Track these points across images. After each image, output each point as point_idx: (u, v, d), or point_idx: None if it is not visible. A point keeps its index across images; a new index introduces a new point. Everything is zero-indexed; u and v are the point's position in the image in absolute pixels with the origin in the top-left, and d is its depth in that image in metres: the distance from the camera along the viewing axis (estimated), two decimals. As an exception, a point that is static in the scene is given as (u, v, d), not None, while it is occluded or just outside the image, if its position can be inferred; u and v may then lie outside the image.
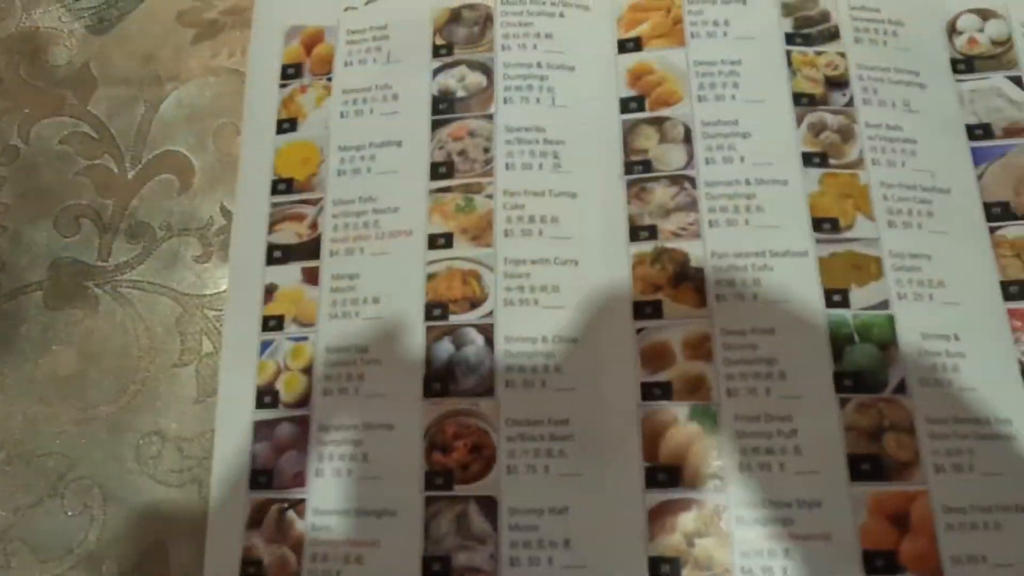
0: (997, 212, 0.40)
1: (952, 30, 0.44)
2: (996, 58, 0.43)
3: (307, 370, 0.38)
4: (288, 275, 0.40)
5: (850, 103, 0.41)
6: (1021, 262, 0.39)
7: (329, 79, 0.44)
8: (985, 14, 0.44)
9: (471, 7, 0.43)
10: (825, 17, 0.42)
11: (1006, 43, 0.43)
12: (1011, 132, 0.41)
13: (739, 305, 0.37)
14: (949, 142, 0.41)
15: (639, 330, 0.37)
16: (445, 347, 0.37)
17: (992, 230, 0.39)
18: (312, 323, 0.39)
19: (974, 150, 0.41)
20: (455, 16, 0.43)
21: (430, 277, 0.39)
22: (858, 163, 0.39)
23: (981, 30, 0.44)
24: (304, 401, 0.38)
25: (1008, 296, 0.38)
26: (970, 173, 0.40)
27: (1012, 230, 0.39)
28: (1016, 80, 0.42)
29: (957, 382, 0.36)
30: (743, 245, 0.38)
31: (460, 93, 0.42)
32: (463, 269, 0.38)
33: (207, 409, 0.39)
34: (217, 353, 0.40)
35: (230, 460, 0.38)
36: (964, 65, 0.43)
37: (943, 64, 0.43)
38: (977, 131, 0.41)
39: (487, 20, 0.43)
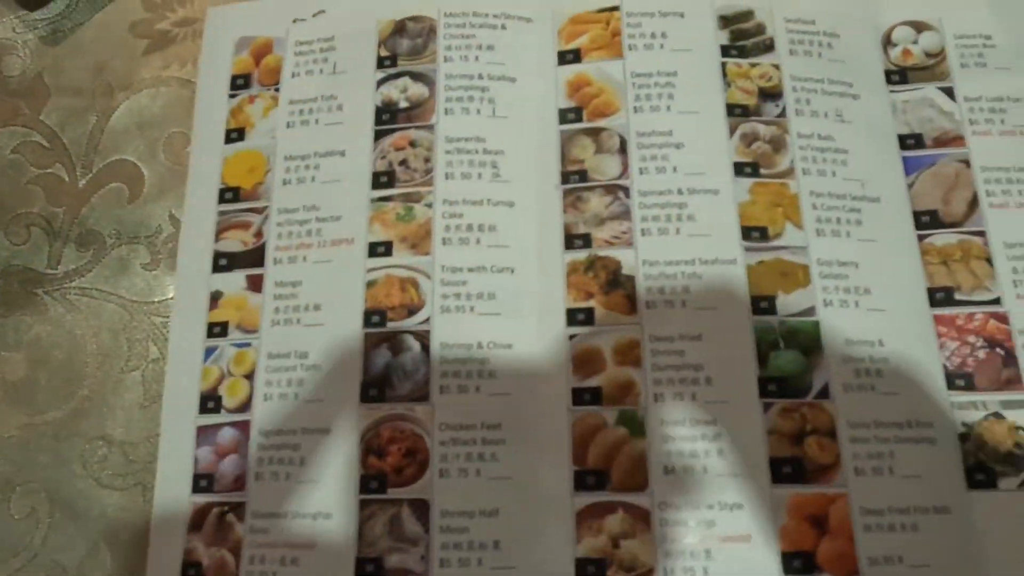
0: (926, 220, 0.41)
1: (887, 42, 0.45)
2: (929, 69, 0.44)
3: (249, 376, 0.39)
4: (233, 282, 0.41)
5: (783, 114, 0.42)
6: (947, 269, 0.40)
7: (277, 89, 0.44)
8: (919, 26, 0.45)
9: (415, 19, 0.44)
10: (761, 29, 0.43)
11: (939, 55, 0.44)
12: (941, 142, 0.42)
13: (668, 312, 0.38)
14: (881, 152, 0.42)
15: (571, 336, 0.38)
16: (383, 353, 0.38)
17: (921, 238, 0.40)
18: (255, 330, 0.40)
19: (905, 159, 0.42)
20: (400, 28, 0.44)
21: (369, 284, 0.39)
22: (789, 172, 0.40)
23: (915, 42, 0.45)
24: (246, 406, 0.39)
25: (934, 302, 0.39)
26: (901, 182, 0.41)
27: (940, 238, 0.40)
28: (947, 91, 0.43)
29: (880, 387, 0.37)
30: (674, 253, 0.39)
31: (403, 104, 0.43)
32: (401, 277, 0.39)
33: (153, 414, 0.40)
34: (163, 359, 0.41)
35: (173, 464, 0.39)
36: (898, 76, 0.44)
37: (877, 75, 0.43)
38: (909, 141, 0.42)
39: (431, 32, 0.44)
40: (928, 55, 0.44)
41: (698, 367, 0.37)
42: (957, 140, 0.42)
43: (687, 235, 0.39)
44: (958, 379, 0.38)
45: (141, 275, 0.43)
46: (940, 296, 0.39)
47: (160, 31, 0.47)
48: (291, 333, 0.39)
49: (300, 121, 0.43)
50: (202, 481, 0.38)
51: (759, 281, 0.38)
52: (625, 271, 0.38)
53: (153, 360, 0.41)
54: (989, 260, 0.40)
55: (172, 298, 0.42)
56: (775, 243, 0.39)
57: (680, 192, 0.40)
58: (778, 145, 0.41)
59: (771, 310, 0.38)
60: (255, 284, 0.41)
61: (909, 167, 0.42)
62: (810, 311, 0.38)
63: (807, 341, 0.37)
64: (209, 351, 0.40)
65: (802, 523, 0.34)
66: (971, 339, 0.39)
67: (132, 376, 0.41)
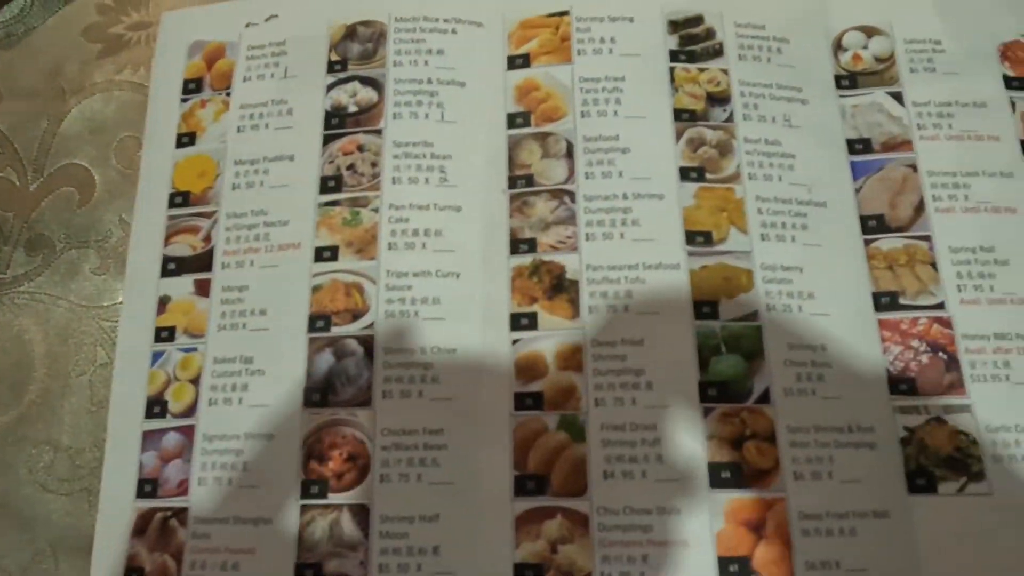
0: (873, 225, 0.41)
1: (838, 47, 0.45)
2: (879, 74, 0.44)
3: (195, 380, 0.39)
4: (181, 287, 0.41)
5: (730, 119, 0.42)
6: (893, 274, 0.40)
7: (229, 94, 0.44)
8: (870, 31, 0.45)
9: (367, 24, 0.44)
10: (710, 34, 0.43)
11: (889, 60, 0.44)
12: (889, 146, 0.42)
13: (611, 317, 0.38)
14: (829, 156, 0.42)
15: (514, 341, 0.38)
16: (326, 358, 0.38)
17: (867, 242, 0.40)
18: (202, 334, 0.40)
19: (854, 164, 0.42)
20: (351, 32, 0.44)
21: (315, 289, 0.39)
22: (734, 177, 0.40)
23: (865, 47, 0.45)
24: (191, 411, 0.39)
25: (879, 307, 0.39)
26: (849, 186, 0.41)
27: (886, 242, 0.40)
28: (897, 96, 0.43)
29: (821, 391, 0.37)
30: (618, 258, 0.39)
31: (352, 108, 0.43)
32: (346, 281, 0.39)
33: (100, 419, 0.40)
34: (111, 363, 0.41)
35: (119, 469, 0.39)
36: (848, 81, 0.44)
37: (827, 80, 0.44)
38: (857, 145, 0.42)
39: (381, 36, 0.44)
40: (878, 60, 0.44)
41: (639, 372, 0.37)
42: (905, 144, 0.42)
43: (631, 240, 0.39)
44: (901, 383, 0.38)
45: (90, 279, 0.43)
46: (885, 301, 0.39)
47: (114, 35, 0.47)
48: (237, 338, 0.39)
49: (250, 126, 0.43)
50: (146, 486, 0.38)
51: (702, 286, 0.38)
52: (569, 276, 0.38)
53: (101, 364, 0.41)
54: (934, 265, 0.40)
55: (121, 302, 0.42)
56: (719, 248, 0.39)
57: (625, 197, 0.40)
58: (725, 150, 0.41)
59: (713, 315, 0.38)
60: (203, 289, 0.41)
61: (857, 172, 0.42)
62: (753, 316, 0.38)
63: (749, 346, 0.37)
64: (156, 355, 0.40)
65: (739, 528, 0.35)
66: (915, 343, 0.39)
67: (80, 381, 0.41)
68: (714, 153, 0.41)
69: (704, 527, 0.34)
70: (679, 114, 0.41)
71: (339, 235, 0.40)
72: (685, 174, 0.40)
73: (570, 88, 0.42)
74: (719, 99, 0.42)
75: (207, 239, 0.42)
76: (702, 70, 0.43)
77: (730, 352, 0.37)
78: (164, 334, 0.40)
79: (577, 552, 0.34)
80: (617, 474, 0.35)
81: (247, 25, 0.46)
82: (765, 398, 0.36)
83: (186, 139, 0.44)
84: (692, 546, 0.34)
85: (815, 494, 0.35)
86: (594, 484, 0.35)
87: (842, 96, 0.43)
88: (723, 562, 0.34)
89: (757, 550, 0.34)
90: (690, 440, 0.36)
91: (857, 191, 0.41)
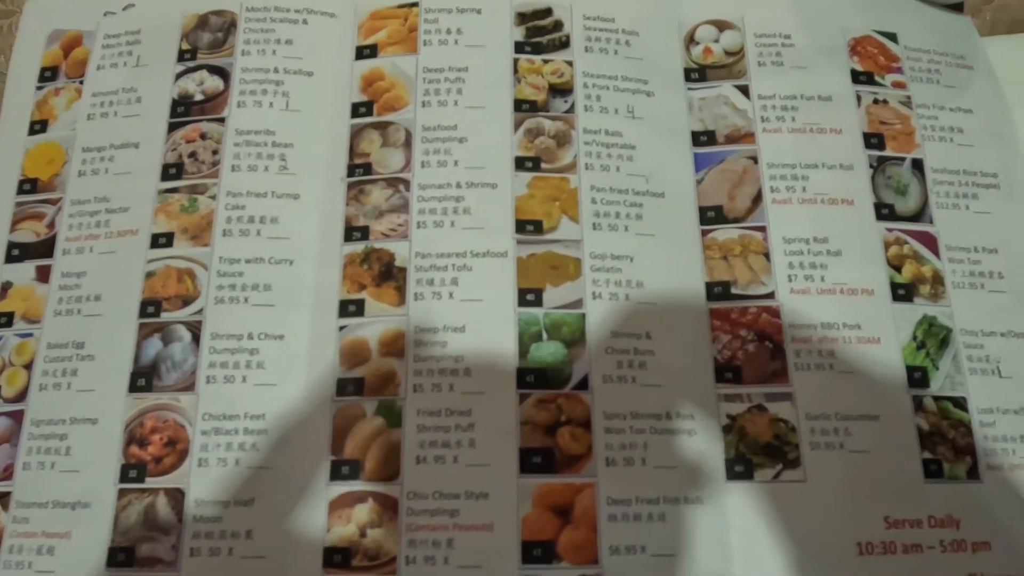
0: (711, 216, 0.41)
1: (690, 40, 0.45)
2: (727, 67, 0.44)
3: (28, 366, 0.39)
4: (23, 273, 0.41)
5: (571, 110, 0.42)
6: (727, 264, 0.40)
7: (82, 82, 0.44)
8: (722, 25, 0.45)
9: (218, 13, 0.45)
10: (558, 27, 0.44)
11: (738, 53, 0.45)
12: (732, 139, 0.43)
13: (435, 304, 0.38)
14: (671, 148, 0.42)
15: (341, 328, 0.38)
16: (154, 344, 0.38)
17: (704, 233, 0.41)
18: (38, 320, 0.40)
19: (697, 156, 0.42)
20: (202, 22, 0.44)
21: (148, 275, 0.40)
22: (570, 167, 0.41)
23: (716, 40, 0.45)
24: (22, 396, 0.39)
25: (712, 296, 0.40)
26: (690, 178, 0.42)
27: (722, 233, 0.41)
28: (743, 89, 0.44)
29: (642, 378, 0.37)
30: (447, 246, 0.39)
31: (198, 96, 0.43)
32: (179, 268, 0.39)
33: (-64, 404, 0.40)
34: (-49, 350, 0.41)
35: (-50, 455, 0.39)
36: (697, 74, 0.44)
37: (676, 73, 0.44)
38: (702, 138, 0.43)
39: (231, 26, 0.44)
40: (728, 53, 0.45)
41: (459, 358, 0.37)
42: (748, 137, 0.43)
43: (461, 228, 0.39)
44: (727, 372, 0.38)
45: (-63, 266, 0.43)
46: (717, 290, 0.40)
47: (-23, 23, 0.47)
48: (71, 323, 0.39)
49: (100, 113, 0.43)
50: (-26, 471, 0.38)
51: (528, 273, 0.38)
52: (398, 263, 0.39)
53: (-59, 350, 0.41)
54: (767, 255, 0.40)
55: (-36, 289, 0.42)
56: (549, 236, 0.39)
57: (459, 186, 0.40)
58: (562, 140, 0.41)
59: (537, 302, 0.38)
60: (43, 275, 0.41)
61: (700, 163, 0.42)
62: (577, 303, 0.38)
63: (570, 333, 0.37)
64: (-6, 341, 0.40)
65: (545, 513, 0.35)
66: (743, 332, 0.39)
67: (-81, 366, 0.41)
68: (551, 143, 0.41)
69: (511, 511, 0.35)
70: (519, 104, 0.42)
71: (176, 222, 0.40)
72: (520, 163, 0.41)
73: (413, 78, 0.42)
74: (561, 90, 0.42)
75: (51, 225, 0.42)
76: (546, 61, 0.43)
77: (551, 339, 0.37)
78: (3, 320, 0.40)
79: (384, 536, 0.35)
80: (429, 459, 0.36)
81: (105, 14, 0.46)
82: (583, 385, 0.37)
83: (38, 126, 0.44)
84: (496, 530, 0.34)
85: (626, 480, 0.35)
86: (407, 469, 0.36)
87: (690, 89, 0.44)
88: (527, 546, 0.34)
89: (563, 535, 0.34)
90: (503, 426, 0.36)
91: (699, 182, 0.42)
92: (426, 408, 0.36)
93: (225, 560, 0.35)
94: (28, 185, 0.43)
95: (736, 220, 0.41)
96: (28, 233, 0.42)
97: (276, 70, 0.43)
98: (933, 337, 0.39)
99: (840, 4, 0.46)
